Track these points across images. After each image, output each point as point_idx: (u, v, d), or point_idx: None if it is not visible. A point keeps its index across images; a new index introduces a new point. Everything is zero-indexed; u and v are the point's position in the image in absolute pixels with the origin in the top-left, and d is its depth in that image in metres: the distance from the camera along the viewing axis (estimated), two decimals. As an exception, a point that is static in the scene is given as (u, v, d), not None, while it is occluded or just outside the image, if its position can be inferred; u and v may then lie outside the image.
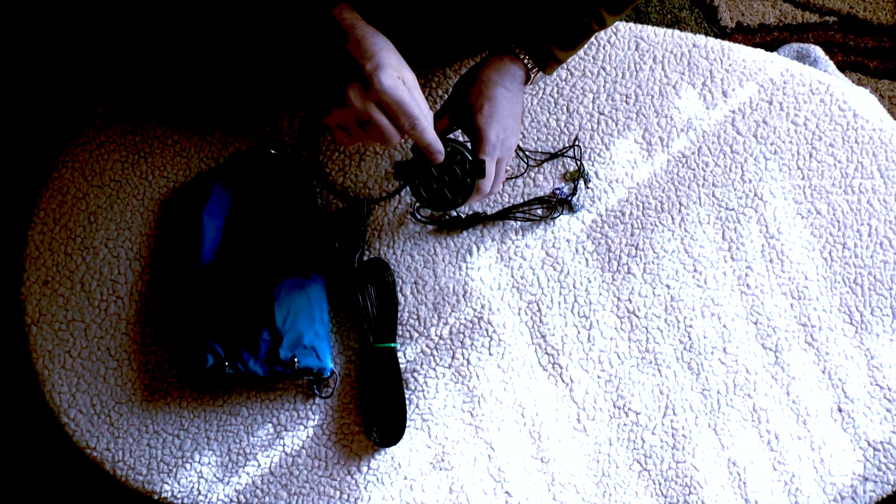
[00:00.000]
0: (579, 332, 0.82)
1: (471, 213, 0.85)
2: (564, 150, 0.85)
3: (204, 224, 0.81)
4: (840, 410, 0.80)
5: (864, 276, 0.82)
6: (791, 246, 0.83)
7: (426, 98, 0.76)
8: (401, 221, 0.85)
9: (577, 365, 0.82)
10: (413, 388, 0.82)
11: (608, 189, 0.85)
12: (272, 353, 0.78)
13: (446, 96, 0.85)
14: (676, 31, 0.87)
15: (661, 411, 0.81)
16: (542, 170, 0.85)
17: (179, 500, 0.82)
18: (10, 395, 1.28)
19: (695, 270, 0.83)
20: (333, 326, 0.83)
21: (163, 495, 0.82)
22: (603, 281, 0.83)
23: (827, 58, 1.14)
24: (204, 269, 0.80)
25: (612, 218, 0.84)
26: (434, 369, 0.82)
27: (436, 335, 0.83)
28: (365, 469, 0.82)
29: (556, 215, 0.84)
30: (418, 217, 0.85)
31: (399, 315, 0.83)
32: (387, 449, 0.82)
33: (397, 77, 0.60)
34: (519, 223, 0.85)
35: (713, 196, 0.84)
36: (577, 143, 0.85)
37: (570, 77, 0.86)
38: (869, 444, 0.80)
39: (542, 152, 0.86)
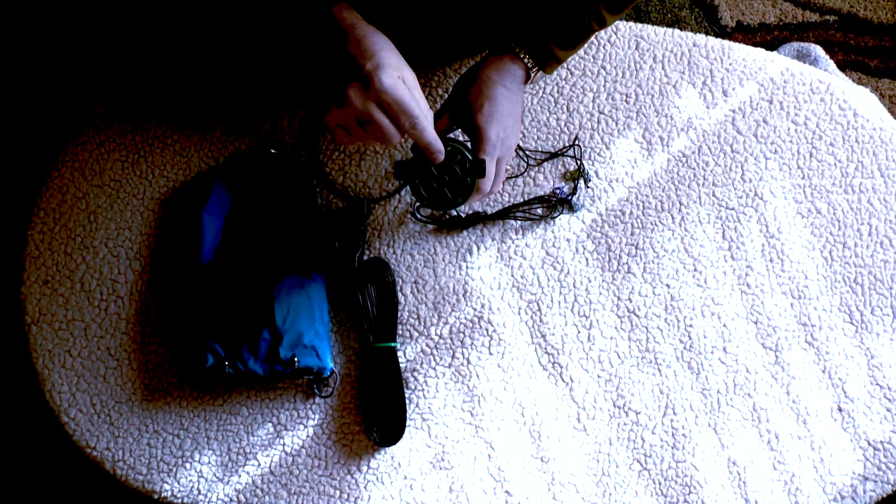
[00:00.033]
0: (579, 332, 0.82)
1: (471, 212, 0.85)
2: (564, 150, 0.85)
3: (204, 223, 0.81)
4: (840, 410, 0.80)
5: (864, 275, 0.82)
6: (791, 245, 0.83)
7: (426, 97, 0.76)
8: (401, 221, 0.85)
9: (577, 364, 0.82)
10: (413, 387, 0.82)
11: (608, 188, 0.85)
12: (272, 352, 0.78)
13: (446, 96, 0.85)
14: (677, 31, 0.87)
15: (661, 411, 0.81)
16: (542, 169, 0.85)
17: (179, 500, 0.82)
18: (10, 395, 1.28)
19: (695, 270, 0.83)
20: (333, 326, 0.83)
21: (163, 495, 0.82)
22: (603, 280, 0.83)
23: (827, 57, 1.14)
24: (204, 268, 0.80)
25: (612, 217, 0.84)
26: (434, 369, 0.82)
27: (436, 335, 0.83)
28: (365, 468, 0.82)
29: (556, 215, 0.84)
30: (418, 216, 0.85)
31: (399, 314, 0.83)
32: (387, 448, 0.82)
33: (397, 76, 0.60)
34: (519, 222, 0.85)
35: (713, 195, 0.84)
36: (577, 142, 0.85)
37: (570, 76, 0.86)
38: (869, 444, 0.79)
39: (542, 151, 0.86)
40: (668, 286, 0.83)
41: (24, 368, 0.87)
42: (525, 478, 0.81)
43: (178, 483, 0.82)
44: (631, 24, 0.87)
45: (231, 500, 0.82)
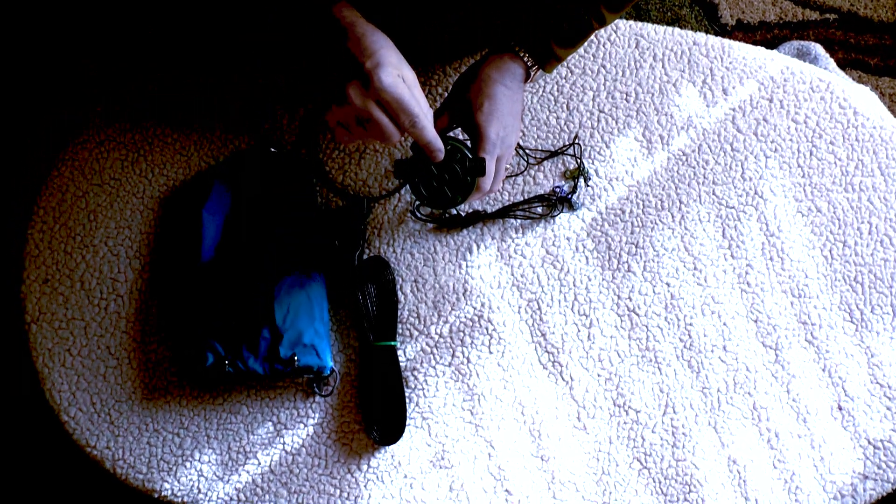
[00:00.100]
0: (579, 331, 0.82)
1: (471, 211, 0.85)
2: (564, 148, 0.85)
3: (204, 222, 0.81)
4: (840, 409, 0.80)
5: (864, 274, 0.82)
6: (791, 244, 0.83)
7: (426, 96, 0.75)
8: (401, 220, 0.85)
9: (577, 363, 0.82)
10: (413, 386, 0.82)
11: (608, 187, 0.85)
12: (272, 351, 0.78)
13: (446, 94, 0.85)
14: (677, 29, 0.87)
15: (661, 409, 0.81)
16: (542, 168, 0.85)
17: (179, 499, 0.82)
18: (10, 394, 1.28)
19: (695, 268, 0.83)
20: (333, 325, 0.83)
21: (163, 494, 0.82)
22: (603, 279, 0.83)
23: (827, 55, 1.14)
24: (204, 267, 0.80)
25: (612, 216, 0.84)
26: (434, 367, 0.82)
27: (436, 333, 0.83)
28: (365, 467, 0.82)
29: (556, 213, 0.84)
30: (418, 215, 0.85)
31: (399, 313, 0.83)
32: (387, 447, 0.82)
33: (397, 75, 0.60)
34: (519, 221, 0.85)
35: (713, 194, 0.84)
36: (577, 141, 0.85)
37: (570, 75, 0.86)
38: (869, 443, 0.79)
39: (542, 150, 0.86)
40: (668, 285, 0.83)
41: (24, 367, 0.87)
42: (525, 476, 0.80)
43: (179, 482, 0.82)
44: (631, 22, 0.87)
45: (231, 498, 0.82)
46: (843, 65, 1.29)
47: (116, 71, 1.34)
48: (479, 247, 0.84)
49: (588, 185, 0.85)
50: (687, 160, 0.85)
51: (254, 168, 0.84)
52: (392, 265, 0.84)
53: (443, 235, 0.85)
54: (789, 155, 0.84)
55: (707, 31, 1.31)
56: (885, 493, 0.79)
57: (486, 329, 0.83)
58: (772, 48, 1.03)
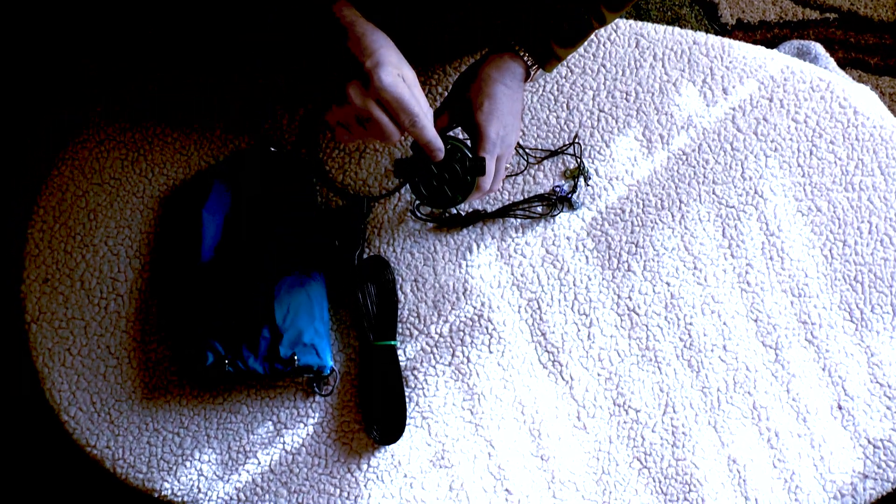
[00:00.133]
0: (579, 330, 0.82)
1: (471, 210, 0.85)
2: (564, 148, 0.85)
3: (204, 222, 0.81)
4: (840, 408, 0.80)
5: (864, 273, 0.82)
6: (791, 243, 0.83)
7: (426, 95, 0.75)
8: (401, 219, 0.85)
9: (577, 362, 0.82)
10: (413, 385, 0.82)
11: (608, 186, 0.85)
12: (272, 350, 0.78)
13: (446, 94, 0.85)
14: (677, 29, 0.87)
15: (661, 409, 0.81)
16: (542, 167, 0.85)
17: (179, 499, 0.82)
18: (10, 394, 1.28)
19: (695, 268, 0.83)
20: (333, 324, 0.83)
21: (163, 493, 0.82)
22: (603, 278, 0.83)
23: (827, 55, 1.14)
24: (204, 266, 0.80)
25: (612, 215, 0.84)
26: (434, 367, 0.82)
27: (436, 333, 0.83)
28: (365, 467, 0.82)
29: (556, 213, 0.84)
30: (418, 215, 0.85)
31: (399, 313, 0.83)
32: (387, 447, 0.82)
33: (397, 74, 0.60)
34: (519, 221, 0.85)
35: (713, 193, 0.84)
36: (577, 140, 0.85)
37: (570, 74, 0.86)
38: (869, 442, 0.79)
39: (542, 150, 0.86)
40: (668, 284, 0.83)
41: (24, 367, 0.87)
42: (525, 476, 0.80)
43: (179, 481, 0.82)
44: (631, 21, 0.87)
45: (231, 498, 0.82)
46: (843, 64, 1.29)
47: (116, 71, 1.34)
48: (479, 246, 0.84)
49: (588, 185, 0.85)
50: (687, 159, 0.85)
51: (254, 168, 0.84)
52: (392, 265, 0.84)
53: (443, 235, 0.85)
54: (789, 154, 0.84)
55: (707, 31, 1.31)
56: (884, 493, 0.79)
57: (486, 328, 0.83)
58: (772, 47, 1.03)
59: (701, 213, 0.84)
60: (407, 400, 0.81)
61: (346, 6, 0.65)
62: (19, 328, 0.85)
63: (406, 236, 0.85)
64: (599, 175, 0.85)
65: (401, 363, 0.82)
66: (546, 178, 0.85)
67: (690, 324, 0.82)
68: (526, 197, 0.85)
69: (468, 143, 0.71)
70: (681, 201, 0.84)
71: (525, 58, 0.73)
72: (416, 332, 0.83)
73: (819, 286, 0.82)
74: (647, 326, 0.82)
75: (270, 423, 0.83)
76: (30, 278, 0.85)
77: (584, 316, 0.83)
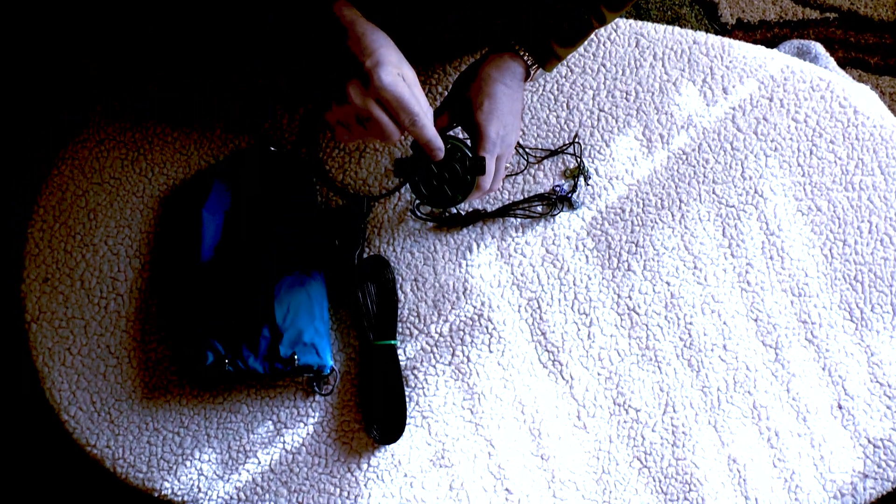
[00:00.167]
0: (579, 330, 0.82)
1: (471, 210, 0.85)
2: (564, 147, 0.85)
3: (203, 221, 0.81)
4: (840, 407, 0.80)
5: (864, 272, 0.82)
6: (791, 243, 0.83)
7: (426, 95, 0.75)
8: (401, 218, 0.85)
9: (577, 362, 0.82)
10: (413, 385, 0.82)
11: (608, 186, 0.85)
12: (272, 350, 0.78)
13: (446, 93, 0.85)
14: (677, 28, 0.87)
15: (661, 408, 0.81)
16: (542, 167, 0.85)
17: (180, 498, 0.82)
18: (10, 393, 1.28)
19: (695, 267, 0.83)
20: (333, 324, 0.83)
21: (163, 493, 0.82)
22: (603, 278, 0.83)
23: (827, 54, 1.14)
24: (204, 266, 0.80)
25: (612, 215, 0.84)
26: (434, 366, 0.82)
27: (436, 332, 0.83)
28: (365, 466, 0.82)
29: (556, 212, 0.84)
30: (418, 214, 0.85)
31: (399, 312, 0.83)
32: (387, 446, 0.82)
33: (397, 74, 0.60)
34: (519, 220, 0.85)
35: (713, 193, 0.84)
36: (577, 139, 0.85)
37: (570, 74, 0.86)
38: (869, 441, 0.79)
39: (542, 149, 0.86)
40: (668, 284, 0.83)
41: (24, 366, 0.87)
42: (525, 475, 0.80)
43: (179, 481, 0.82)
44: (631, 21, 0.87)
45: (231, 497, 0.82)
46: (843, 64, 1.29)
47: (116, 71, 1.34)
48: (479, 246, 0.84)
49: (588, 184, 0.85)
50: (687, 159, 0.85)
51: (254, 167, 0.84)
52: (392, 264, 0.84)
53: (443, 234, 0.85)
54: (789, 154, 0.84)
55: (707, 30, 1.31)
56: (884, 492, 0.79)
57: (486, 328, 0.83)
58: (772, 47, 1.03)
59: (701, 212, 0.84)
60: (407, 399, 0.81)
61: (347, 6, 0.65)
62: (19, 328, 0.85)
63: (406, 236, 0.85)
64: (599, 174, 0.85)
65: (401, 363, 0.82)
66: (546, 178, 0.85)
67: (690, 323, 0.82)
68: (526, 196, 0.85)
69: (468, 142, 0.71)
70: (681, 201, 0.84)
71: (525, 57, 0.73)
72: (416, 332, 0.83)
73: (819, 286, 0.82)
74: (647, 326, 0.82)
75: (270, 422, 0.83)
76: (30, 278, 0.85)
77: (584, 315, 0.83)
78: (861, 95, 0.85)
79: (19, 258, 0.86)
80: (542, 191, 0.85)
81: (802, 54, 1.13)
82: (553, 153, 0.85)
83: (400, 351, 0.82)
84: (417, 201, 0.84)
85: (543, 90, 0.86)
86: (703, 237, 0.83)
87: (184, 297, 0.83)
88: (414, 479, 0.81)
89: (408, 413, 0.81)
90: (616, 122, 0.86)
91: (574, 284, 0.83)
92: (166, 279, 0.85)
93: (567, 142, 0.86)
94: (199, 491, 0.82)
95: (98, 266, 0.85)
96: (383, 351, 0.81)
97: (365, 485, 0.81)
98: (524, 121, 0.86)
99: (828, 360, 0.81)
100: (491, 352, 0.82)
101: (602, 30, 0.86)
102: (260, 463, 0.82)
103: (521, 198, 0.85)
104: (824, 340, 0.81)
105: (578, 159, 0.85)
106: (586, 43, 0.86)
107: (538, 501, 0.80)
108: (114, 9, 1.34)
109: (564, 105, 0.86)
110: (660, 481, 0.80)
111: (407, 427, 0.81)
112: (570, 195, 0.84)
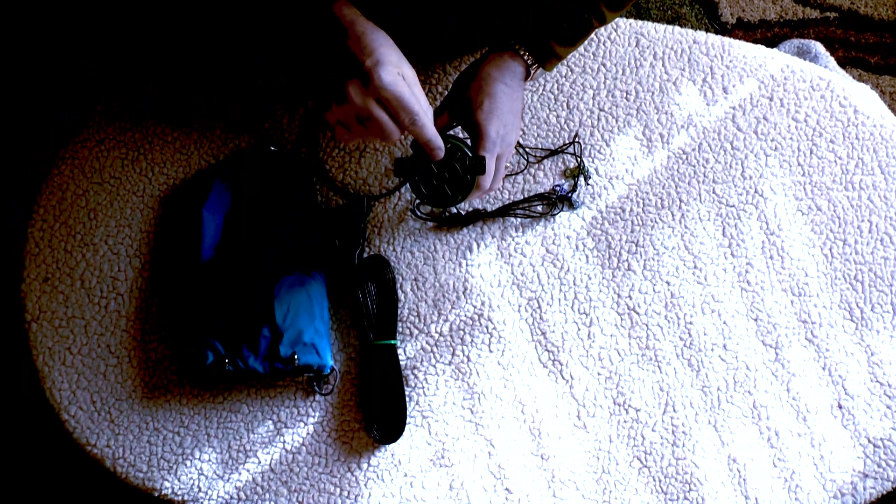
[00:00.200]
0: (579, 329, 0.82)
1: (471, 209, 0.85)
2: (564, 147, 0.85)
3: (204, 221, 0.81)
4: (840, 407, 0.80)
5: (864, 272, 0.82)
6: (791, 242, 0.83)
7: (426, 94, 0.75)
8: (401, 218, 0.85)
9: (577, 362, 0.82)
10: (413, 385, 0.82)
11: (608, 186, 0.85)
12: (272, 349, 0.78)
13: (446, 93, 0.85)
14: (677, 28, 0.87)
15: (662, 408, 0.81)
16: (542, 166, 0.85)
17: (180, 498, 0.82)
18: (10, 393, 1.28)
19: (695, 267, 0.83)
20: (333, 323, 0.83)
21: (163, 492, 0.82)
22: (603, 278, 0.83)
23: (828, 54, 1.14)
24: (204, 265, 0.80)
25: (612, 214, 0.84)
26: (434, 366, 0.82)
27: (436, 332, 0.83)
28: (365, 466, 0.82)
29: (556, 212, 0.84)
30: (418, 214, 0.85)
31: (399, 312, 0.83)
32: (387, 446, 0.82)
33: (397, 73, 0.60)
34: (519, 220, 0.85)
35: (713, 193, 0.84)
36: (577, 139, 0.85)
37: (570, 73, 0.86)
38: (869, 441, 0.79)
39: (542, 149, 0.86)
40: (668, 283, 0.83)
41: (24, 366, 0.87)
42: (525, 475, 0.80)
43: (179, 480, 0.82)
44: (631, 20, 0.87)
45: (231, 497, 0.82)
46: (843, 63, 1.29)
47: (116, 71, 1.34)
48: (479, 245, 0.84)
49: (588, 184, 0.85)
50: (687, 159, 0.85)
51: (254, 167, 0.84)
52: (392, 264, 0.84)
53: (443, 234, 0.85)
54: (789, 153, 0.84)
55: (707, 30, 1.31)
56: (884, 492, 0.79)
57: (487, 328, 0.83)
58: (772, 46, 1.03)
59: (701, 212, 0.84)
60: (407, 399, 0.81)
61: (346, 5, 0.65)
62: (19, 327, 0.85)
63: (406, 235, 0.85)
64: (599, 174, 0.85)
65: (401, 362, 0.82)
66: (546, 178, 0.85)
67: (690, 323, 0.82)
68: (526, 196, 0.85)
69: (468, 142, 0.71)
70: (681, 200, 0.84)
71: (525, 57, 0.73)
72: (416, 332, 0.83)
73: (819, 285, 0.82)
74: (647, 325, 0.82)
75: (270, 422, 0.83)
76: (30, 277, 0.85)
77: (584, 315, 0.83)
78: (861, 95, 0.85)
79: (19, 258, 0.86)
80: (542, 190, 0.85)
81: (802, 54, 1.13)
82: (553, 153, 0.85)
83: (400, 351, 0.82)
84: (417, 201, 0.84)
85: (543, 90, 0.86)
86: (703, 237, 0.83)
87: (184, 297, 0.83)
88: (414, 478, 0.81)
89: (408, 413, 0.81)
90: (616, 121, 0.86)
91: (574, 284, 0.83)
92: (166, 279, 0.85)
93: (567, 141, 0.86)
94: (200, 490, 0.82)
95: (98, 266, 0.85)
96: (383, 351, 0.81)
97: (365, 484, 0.81)
98: (524, 120, 0.86)
99: (828, 360, 0.81)
100: (491, 351, 0.82)
101: (602, 29, 0.86)
102: (260, 462, 0.82)
103: (521, 197, 0.85)
104: (824, 340, 0.81)
105: (578, 159, 0.85)
106: (586, 42, 0.86)
107: (538, 501, 0.80)
108: (114, 9, 1.34)
109: (564, 105, 0.86)
110: (660, 481, 0.80)
111: (407, 427, 0.81)
112: (570, 195, 0.84)
